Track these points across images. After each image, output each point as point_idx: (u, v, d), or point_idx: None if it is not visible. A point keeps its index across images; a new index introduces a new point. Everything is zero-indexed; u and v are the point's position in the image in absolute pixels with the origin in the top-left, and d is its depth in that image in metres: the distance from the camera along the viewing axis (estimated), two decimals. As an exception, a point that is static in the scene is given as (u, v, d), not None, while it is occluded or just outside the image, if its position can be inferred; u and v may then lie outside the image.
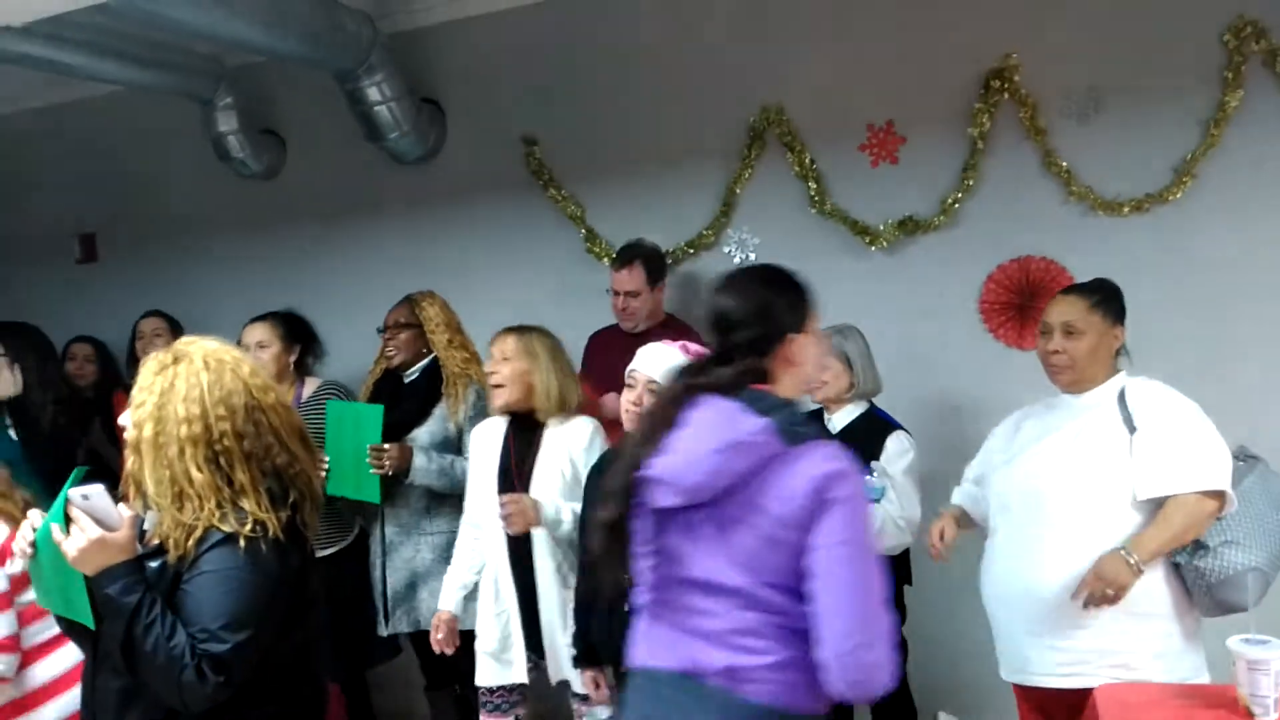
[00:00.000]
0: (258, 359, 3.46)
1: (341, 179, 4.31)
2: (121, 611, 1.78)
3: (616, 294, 3.56)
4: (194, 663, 1.77)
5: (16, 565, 2.36)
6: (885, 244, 3.53)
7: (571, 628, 2.81)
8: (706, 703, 1.71)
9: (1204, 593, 2.35)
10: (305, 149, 4.38)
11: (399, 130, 3.91)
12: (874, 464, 2.98)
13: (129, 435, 1.90)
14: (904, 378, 3.32)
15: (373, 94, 3.79)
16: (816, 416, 3.15)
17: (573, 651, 2.75)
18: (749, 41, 3.67)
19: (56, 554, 1.86)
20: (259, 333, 3.55)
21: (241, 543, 1.82)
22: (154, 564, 1.88)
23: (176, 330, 4.19)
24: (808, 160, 3.60)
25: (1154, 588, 2.34)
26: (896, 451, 3.01)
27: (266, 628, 1.84)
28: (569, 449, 2.88)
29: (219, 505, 1.84)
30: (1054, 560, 2.37)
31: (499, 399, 2.93)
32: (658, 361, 2.50)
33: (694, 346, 2.58)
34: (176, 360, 1.92)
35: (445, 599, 3.03)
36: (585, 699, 2.84)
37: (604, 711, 2.63)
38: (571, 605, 2.83)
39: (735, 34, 3.68)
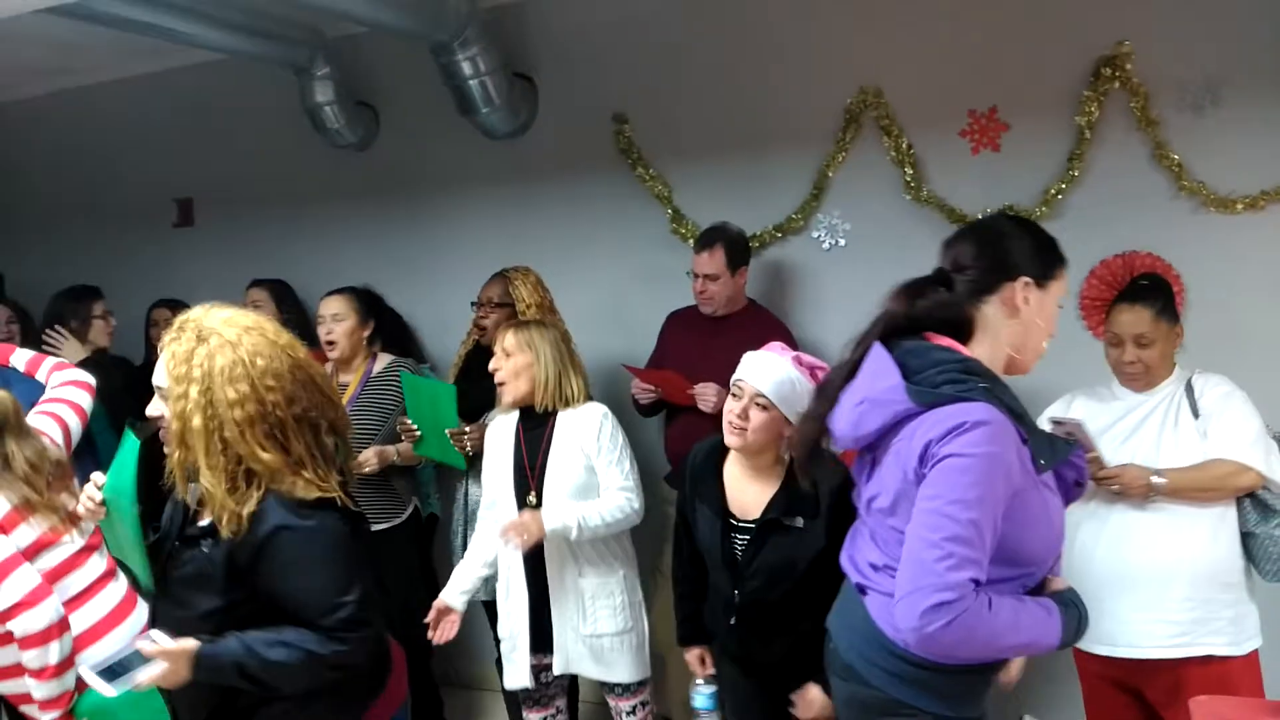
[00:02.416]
0: (331, 331, 3.52)
1: (432, 153, 4.34)
2: (233, 680, 1.78)
3: (696, 276, 3.53)
4: (329, 643, 1.80)
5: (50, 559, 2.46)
6: (983, 233, 3.43)
7: (590, 619, 2.85)
8: (865, 619, 1.86)
9: (1275, 559, 2.53)
10: (398, 122, 4.41)
11: (491, 105, 3.92)
12: None
13: (171, 428, 1.83)
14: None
15: (467, 68, 3.79)
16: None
17: (586, 633, 2.82)
18: (848, 21, 3.59)
19: (123, 512, 1.89)
20: (335, 305, 3.59)
21: (303, 513, 1.80)
22: (205, 549, 1.85)
23: (281, 300, 4.24)
24: (905, 145, 3.51)
25: (1235, 557, 2.54)
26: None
27: (364, 573, 1.88)
28: (579, 440, 2.87)
29: (277, 480, 1.81)
30: (1164, 541, 2.53)
31: (505, 396, 2.95)
32: (767, 374, 2.40)
33: (808, 359, 2.48)
34: (203, 339, 1.83)
35: (449, 592, 2.97)
36: (623, 690, 2.87)
37: (708, 688, 2.62)
38: (588, 596, 2.86)
39: (834, 13, 3.61)
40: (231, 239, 4.76)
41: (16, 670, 2.41)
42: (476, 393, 3.42)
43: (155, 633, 1.78)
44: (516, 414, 2.99)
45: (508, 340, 2.93)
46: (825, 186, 3.66)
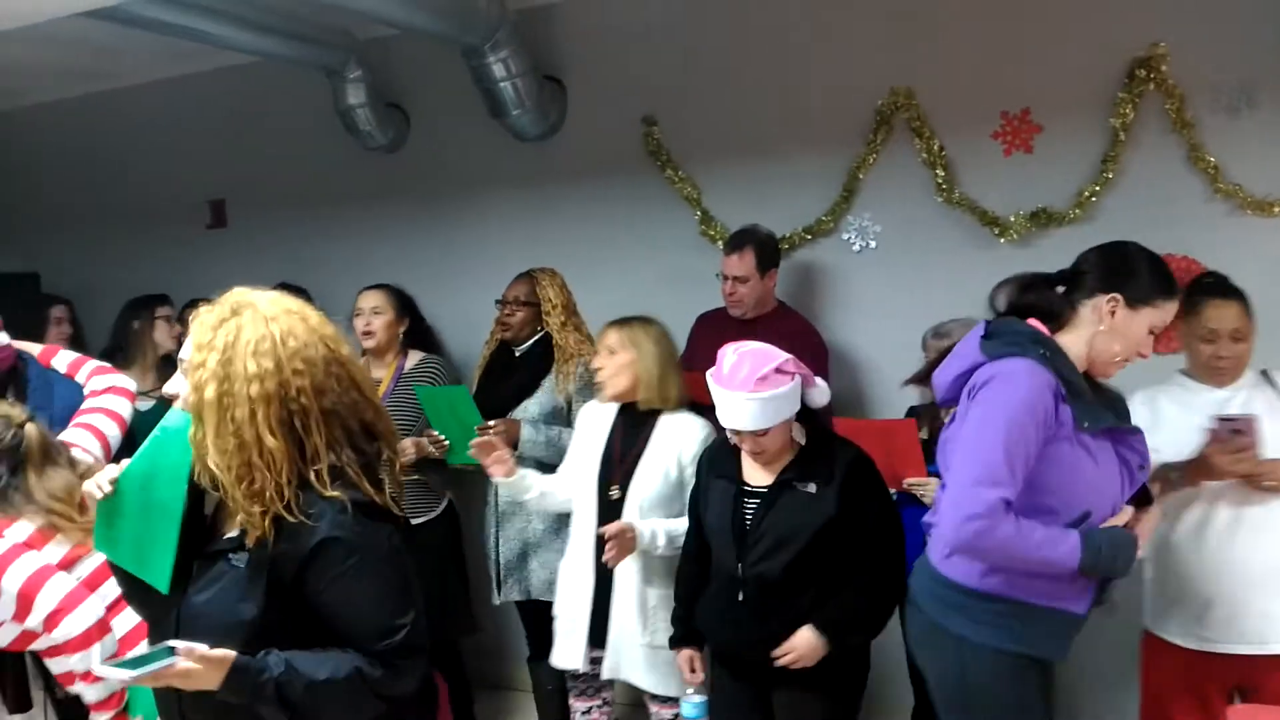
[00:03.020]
0: (370, 323, 3.55)
1: (461, 154, 4.36)
2: (270, 701, 1.57)
3: (725, 278, 3.53)
4: (381, 667, 1.63)
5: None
6: (1015, 236, 3.41)
7: (650, 630, 2.81)
8: (925, 552, 2.26)
9: None
10: (428, 124, 4.43)
11: (521, 107, 3.93)
12: None
13: (188, 400, 1.68)
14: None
15: (498, 70, 3.81)
16: (935, 411, 3.07)
17: (644, 642, 2.78)
18: (879, 22, 3.58)
19: (142, 502, 1.71)
20: (374, 298, 3.66)
21: (357, 524, 1.62)
22: (236, 560, 1.66)
23: (307, 302, 4.29)
24: (936, 146, 3.50)
25: None
26: None
27: (417, 593, 1.71)
28: (678, 450, 2.85)
29: (290, 478, 1.61)
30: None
31: (607, 392, 2.93)
32: (750, 418, 2.40)
33: (767, 368, 2.40)
34: (236, 312, 1.67)
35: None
36: (665, 700, 2.84)
37: (699, 696, 2.60)
38: (651, 606, 2.83)
39: (865, 14, 3.60)
40: (263, 240, 4.80)
41: (71, 678, 2.43)
42: (500, 391, 3.45)
43: (190, 644, 1.55)
44: (616, 405, 2.98)
45: (611, 337, 2.92)
46: (856, 188, 3.65)
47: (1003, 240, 3.44)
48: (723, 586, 2.53)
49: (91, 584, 2.46)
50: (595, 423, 3.01)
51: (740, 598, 2.46)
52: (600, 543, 2.77)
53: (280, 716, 1.57)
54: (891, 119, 3.57)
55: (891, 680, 3.25)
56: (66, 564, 2.45)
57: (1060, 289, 2.16)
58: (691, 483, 2.75)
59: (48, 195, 5.32)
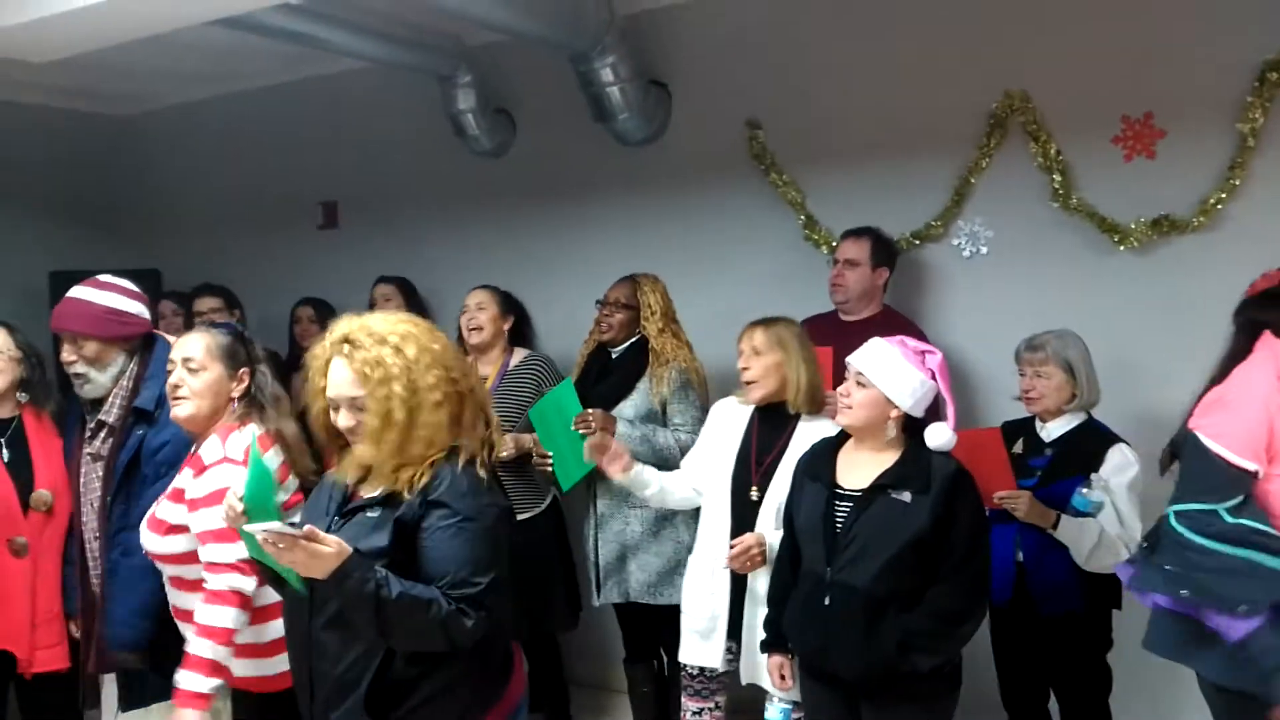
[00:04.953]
0: (475, 319, 3.69)
1: (566, 159, 4.41)
2: (366, 600, 1.85)
3: (836, 262, 3.50)
4: (451, 608, 1.89)
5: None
6: (1136, 244, 3.30)
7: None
8: None
9: None
10: (533, 128, 4.49)
11: (627, 112, 3.96)
12: (1093, 476, 2.84)
13: (368, 428, 1.94)
14: (1132, 387, 3.15)
15: (605, 75, 3.84)
16: (1027, 426, 3.00)
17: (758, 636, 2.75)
18: (993, 22, 3.50)
19: (266, 516, 1.93)
20: (481, 296, 3.79)
21: (469, 492, 1.96)
22: (372, 514, 1.99)
23: (409, 295, 4.42)
24: (1053, 151, 3.41)
25: None
26: (1120, 465, 2.86)
27: (505, 564, 1.99)
28: None
29: (434, 456, 1.97)
30: None
31: (754, 394, 2.91)
32: (870, 357, 2.48)
33: (914, 343, 2.50)
34: (380, 343, 1.97)
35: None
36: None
37: (784, 704, 2.58)
38: None
39: (979, 15, 3.53)
40: (372, 241, 4.92)
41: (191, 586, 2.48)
42: (597, 392, 3.47)
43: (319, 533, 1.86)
44: (752, 406, 2.96)
45: (757, 337, 2.90)
46: (967, 193, 3.58)
47: (1122, 248, 3.33)
48: (809, 591, 2.49)
49: None
50: (730, 420, 3.00)
51: (826, 601, 2.43)
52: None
53: (371, 621, 1.87)
54: (1006, 122, 3.49)
55: (979, 680, 3.16)
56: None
57: None
58: None
59: (170, 195, 5.55)
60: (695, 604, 2.96)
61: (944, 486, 2.38)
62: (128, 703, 2.80)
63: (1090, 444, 2.90)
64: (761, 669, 2.78)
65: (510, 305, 3.89)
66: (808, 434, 2.83)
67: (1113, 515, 2.81)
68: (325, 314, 4.59)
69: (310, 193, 5.10)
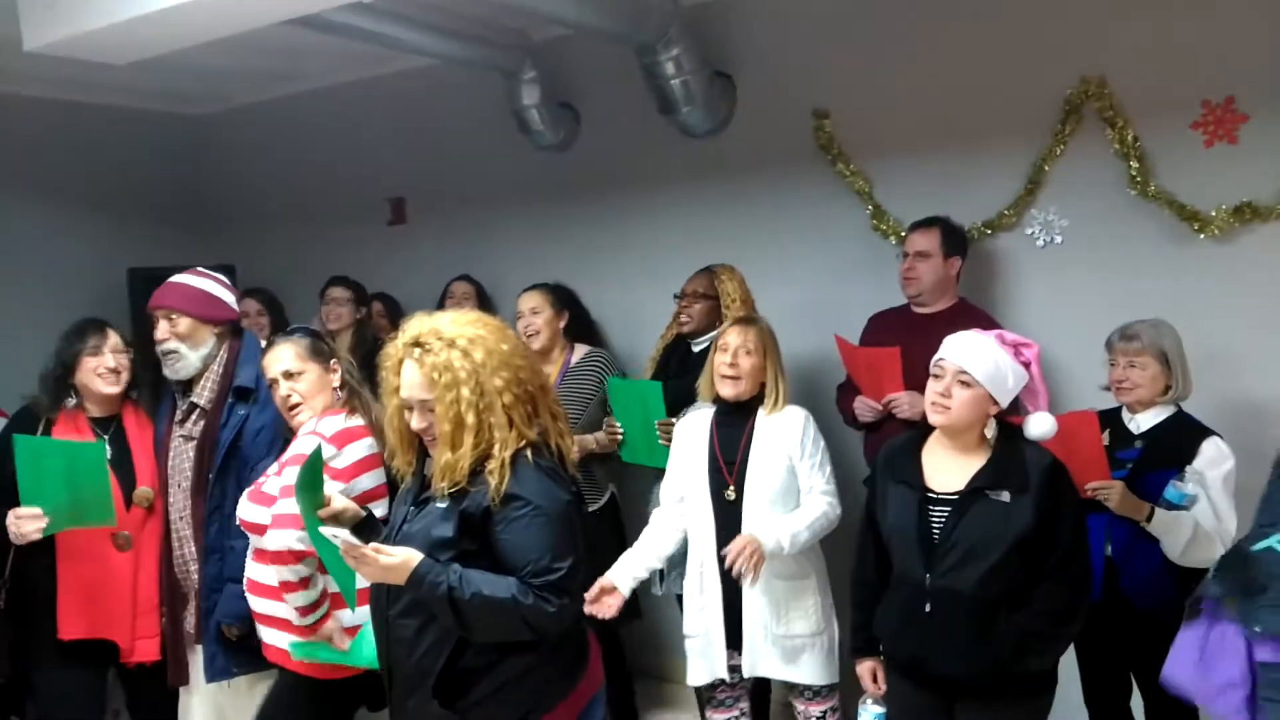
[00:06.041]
0: (531, 324, 3.70)
1: (630, 152, 4.41)
2: (441, 602, 1.94)
3: (905, 255, 3.47)
4: (531, 601, 1.93)
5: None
6: (1217, 231, 3.21)
7: (784, 620, 2.82)
8: None
9: None
10: (597, 122, 4.50)
11: (692, 104, 3.95)
12: (1187, 469, 2.76)
13: (441, 432, 1.99)
14: (1217, 378, 3.07)
15: (669, 67, 3.83)
16: (1114, 418, 2.93)
17: (779, 633, 2.81)
18: (1069, 5, 3.42)
19: (333, 550, 2.06)
20: (533, 299, 3.79)
21: (541, 481, 2.00)
22: (441, 504, 2.02)
23: (482, 295, 4.47)
24: (1130, 137, 3.32)
25: None
26: (1215, 458, 2.78)
27: (582, 550, 2.04)
28: (784, 442, 2.86)
29: (507, 451, 2.00)
30: None
31: (732, 389, 2.93)
32: (968, 351, 2.39)
33: (1010, 336, 2.45)
34: (450, 345, 1.99)
35: (618, 573, 2.94)
36: (812, 694, 2.81)
37: (878, 706, 2.56)
38: (782, 596, 2.83)
39: (1052, -1, 3.46)
40: (439, 237, 4.98)
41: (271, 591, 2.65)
42: (678, 386, 3.47)
43: (387, 546, 1.99)
44: (712, 410, 2.99)
45: (751, 336, 2.96)
46: (1041, 181, 3.50)
47: (1202, 235, 3.24)
48: (907, 597, 2.44)
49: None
50: (692, 432, 3.03)
51: (927, 609, 2.38)
52: (722, 544, 2.80)
53: (451, 620, 1.95)
54: (1081, 109, 3.41)
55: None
56: (363, 500, 2.65)
57: None
58: (803, 466, 2.82)
59: (244, 193, 5.67)
60: (692, 622, 2.99)
61: (1043, 482, 2.31)
62: (212, 676, 2.89)
63: (1182, 437, 2.83)
64: (764, 661, 2.85)
65: (563, 300, 3.89)
66: (766, 426, 2.88)
67: (1207, 509, 2.75)
68: (394, 310, 4.67)
69: (378, 189, 5.18)
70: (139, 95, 5.33)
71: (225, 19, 3.18)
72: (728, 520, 2.88)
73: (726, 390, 2.94)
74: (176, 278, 3.05)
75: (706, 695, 3.05)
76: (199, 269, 3.12)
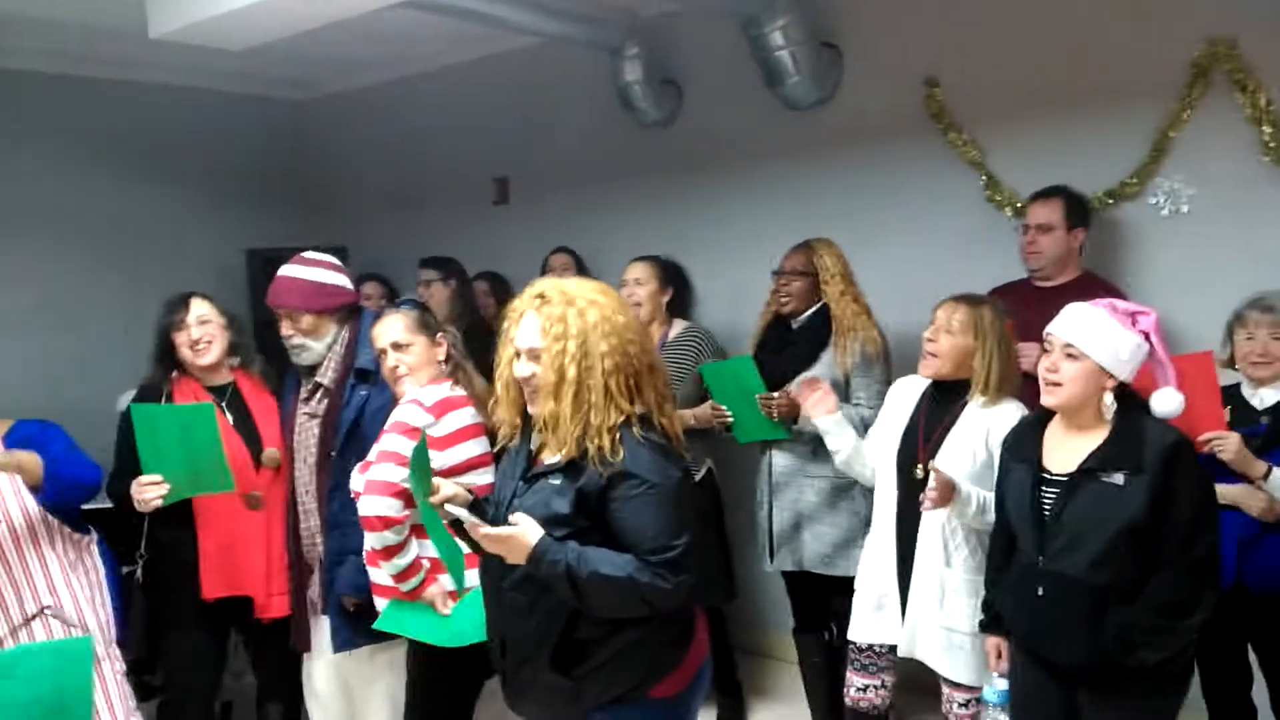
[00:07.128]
0: (634, 294, 3.71)
1: (734, 127, 4.37)
2: (560, 580, 1.97)
3: (1027, 229, 3.36)
4: (651, 574, 1.96)
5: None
6: (1358, 198, 3.05)
7: (948, 611, 2.73)
8: None
9: None
10: (701, 98, 4.48)
11: (798, 75, 3.90)
12: None
13: (544, 381, 2.02)
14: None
15: (776, 39, 3.79)
16: (1234, 393, 2.81)
17: (941, 624, 2.71)
18: (1197, -35, 3.27)
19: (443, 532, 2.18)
20: (639, 270, 3.80)
21: (654, 457, 2.00)
22: (554, 480, 2.05)
23: (581, 267, 4.50)
24: (1263, 101, 3.16)
25: None
26: None
27: (696, 527, 2.05)
28: (988, 433, 2.71)
29: (612, 423, 2.00)
30: None
31: (927, 368, 2.84)
32: (1078, 325, 2.30)
33: (1123, 304, 2.36)
34: (569, 303, 2.04)
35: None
36: (958, 685, 2.75)
37: (1001, 682, 2.50)
38: (951, 587, 2.73)
39: (1180, -43, 3.30)
40: (542, 215, 5.02)
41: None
42: (778, 364, 3.44)
43: (518, 515, 2.02)
44: (929, 380, 2.89)
45: (958, 315, 2.79)
46: (1166, 148, 3.36)
47: (1341, 203, 3.08)
48: (1022, 577, 2.39)
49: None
50: (904, 398, 2.95)
51: (1040, 591, 2.32)
52: (904, 516, 2.78)
53: (570, 596, 1.97)
54: (1209, 72, 3.25)
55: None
56: (464, 469, 2.76)
57: None
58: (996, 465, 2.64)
59: (353, 175, 5.82)
60: (866, 579, 2.93)
61: (1161, 463, 2.18)
62: (338, 647, 2.99)
63: None
64: (922, 644, 2.76)
65: (670, 276, 3.88)
66: (976, 417, 2.74)
67: None
68: (500, 288, 4.73)
69: (482, 169, 5.25)
70: (252, 81, 5.51)
71: (338, 4, 3.25)
72: (911, 497, 2.77)
73: (923, 367, 2.86)
74: (288, 270, 3.07)
75: (852, 657, 2.99)
76: (308, 256, 3.13)
